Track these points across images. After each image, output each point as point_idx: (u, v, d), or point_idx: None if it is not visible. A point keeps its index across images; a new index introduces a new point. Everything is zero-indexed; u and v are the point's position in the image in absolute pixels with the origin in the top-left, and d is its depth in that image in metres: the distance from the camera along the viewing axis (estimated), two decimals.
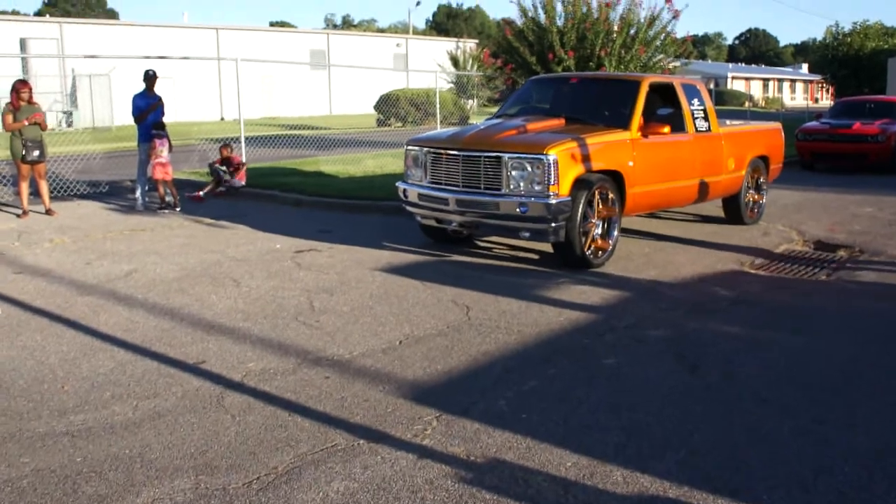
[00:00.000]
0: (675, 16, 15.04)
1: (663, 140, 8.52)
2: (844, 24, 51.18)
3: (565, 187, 7.35)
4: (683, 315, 6.17)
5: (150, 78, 11.45)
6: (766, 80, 72.87)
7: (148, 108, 11.34)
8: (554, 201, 7.26)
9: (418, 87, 33.85)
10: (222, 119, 41.44)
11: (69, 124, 35.07)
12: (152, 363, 5.12)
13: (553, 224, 7.34)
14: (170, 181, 11.24)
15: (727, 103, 52.09)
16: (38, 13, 70.37)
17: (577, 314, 6.16)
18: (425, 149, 8.18)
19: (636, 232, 9.61)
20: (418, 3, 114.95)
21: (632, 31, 14.91)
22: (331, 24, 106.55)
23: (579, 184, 7.49)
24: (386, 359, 5.16)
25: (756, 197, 10.60)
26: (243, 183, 12.59)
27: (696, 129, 9.18)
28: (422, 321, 5.99)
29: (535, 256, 8.29)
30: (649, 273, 7.60)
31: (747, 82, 70.04)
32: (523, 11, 14.81)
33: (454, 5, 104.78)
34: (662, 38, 16.01)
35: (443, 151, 7.95)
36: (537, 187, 7.31)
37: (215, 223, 10.32)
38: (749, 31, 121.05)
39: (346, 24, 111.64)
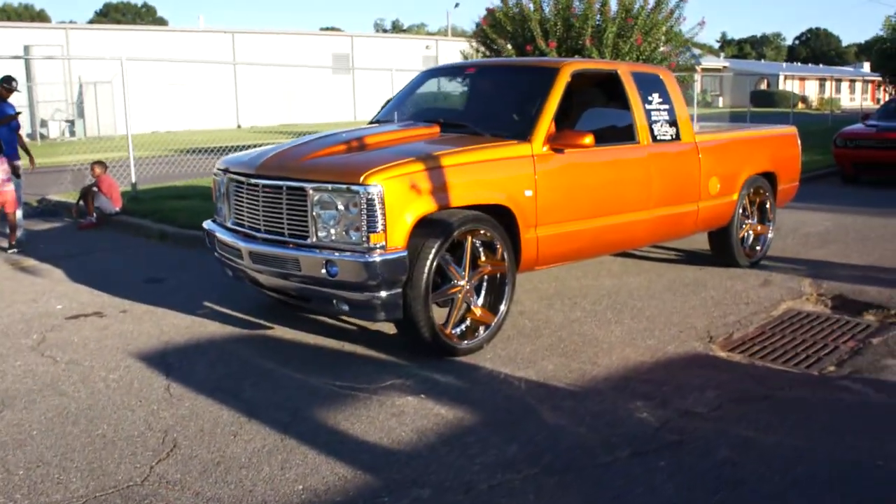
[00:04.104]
0: None
1: (591, 156, 5.72)
2: None
3: (399, 235, 4.61)
4: (533, 481, 3.39)
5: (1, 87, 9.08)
6: (822, 80, 67.23)
7: None
8: (378, 258, 4.51)
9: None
10: (239, 126, 39.39)
11: (72, 133, 33.39)
12: None
13: (381, 293, 4.61)
14: (10, 212, 8.74)
15: (777, 105, 47.93)
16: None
17: (329, 481, 3.40)
18: (226, 175, 5.54)
19: (577, 281, 6.83)
20: (457, 5, 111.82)
21: (631, 16, 12.39)
22: (380, 29, 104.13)
23: (427, 228, 4.73)
24: None
25: (758, 229, 7.70)
26: (117, 209, 10.11)
27: (652, 137, 6.35)
28: (42, 490, 3.34)
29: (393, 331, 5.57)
30: (547, 365, 4.83)
31: (802, 82, 64.86)
32: None
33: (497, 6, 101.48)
34: (669, 24, 13.32)
35: (243, 178, 5.29)
36: (353, 235, 4.60)
37: (35, 266, 7.85)
38: (809, 30, 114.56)
39: (396, 28, 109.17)
